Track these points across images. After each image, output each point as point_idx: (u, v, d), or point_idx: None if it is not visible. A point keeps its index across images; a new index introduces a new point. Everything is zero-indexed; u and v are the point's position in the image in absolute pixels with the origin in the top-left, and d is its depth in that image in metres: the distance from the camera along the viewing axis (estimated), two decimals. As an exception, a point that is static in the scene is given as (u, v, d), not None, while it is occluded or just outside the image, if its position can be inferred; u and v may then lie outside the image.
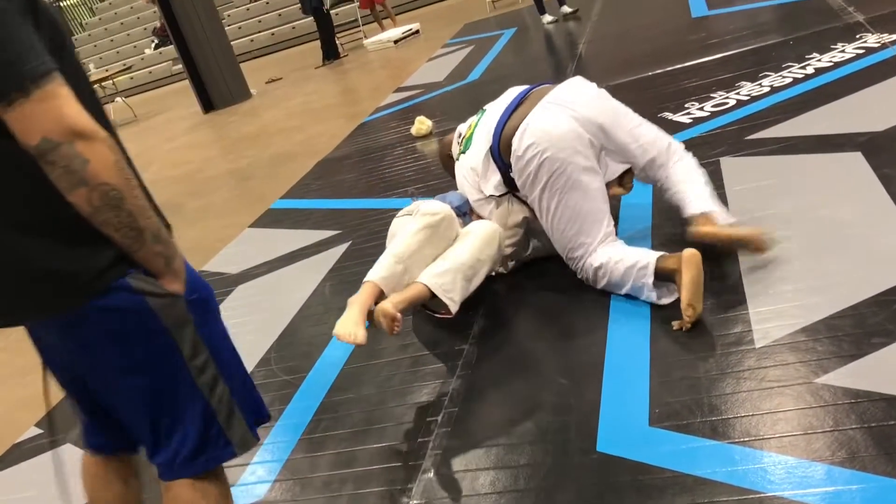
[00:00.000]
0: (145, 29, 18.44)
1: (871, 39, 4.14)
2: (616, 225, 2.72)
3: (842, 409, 1.74)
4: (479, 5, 11.55)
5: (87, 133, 1.20)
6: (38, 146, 1.18)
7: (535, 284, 2.72)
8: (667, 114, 4.07)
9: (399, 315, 2.34)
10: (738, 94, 4.01)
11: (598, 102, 2.63)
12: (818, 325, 2.03)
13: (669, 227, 2.78)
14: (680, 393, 1.96)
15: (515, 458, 1.94)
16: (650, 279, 2.33)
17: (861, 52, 4.00)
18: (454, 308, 2.50)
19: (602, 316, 2.42)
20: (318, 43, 11.61)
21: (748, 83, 4.12)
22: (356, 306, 2.39)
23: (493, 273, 2.79)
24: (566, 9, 8.20)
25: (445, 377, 2.39)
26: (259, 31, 16.19)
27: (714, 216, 2.45)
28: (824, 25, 4.71)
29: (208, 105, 10.16)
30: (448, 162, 3.20)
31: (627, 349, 2.22)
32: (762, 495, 1.59)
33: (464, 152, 2.89)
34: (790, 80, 3.96)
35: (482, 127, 2.78)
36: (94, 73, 16.15)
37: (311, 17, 11.46)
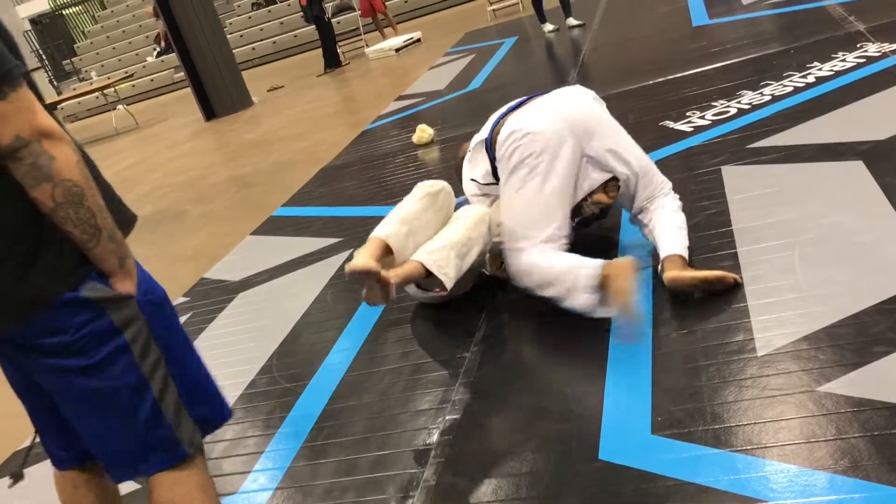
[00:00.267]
0: (147, 37, 18.50)
1: (872, 49, 4.15)
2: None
3: (844, 417, 1.74)
4: (481, 14, 11.59)
5: (54, 133, 1.30)
6: (10, 144, 1.27)
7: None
8: (668, 122, 4.08)
9: (392, 281, 2.37)
10: (739, 102, 4.02)
11: (590, 108, 2.68)
12: (820, 334, 2.03)
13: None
14: (682, 401, 1.96)
15: (517, 466, 1.94)
16: (584, 282, 2.33)
17: (862, 61, 4.01)
18: (448, 284, 2.52)
19: (604, 323, 2.42)
20: (319, 51, 11.65)
21: (749, 92, 4.13)
22: (365, 252, 2.45)
23: (488, 273, 2.81)
24: (572, 21, 8.20)
25: (447, 384, 2.38)
26: (261, 40, 16.24)
27: (682, 260, 2.43)
28: (825, 34, 4.73)
29: (210, 113, 10.18)
30: (461, 168, 3.23)
31: (629, 357, 2.22)
32: (765, 504, 1.59)
33: None
34: (791, 88, 3.97)
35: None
36: (96, 80, 16.23)
37: (313, 26, 11.51)
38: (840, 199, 2.70)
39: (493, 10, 11.39)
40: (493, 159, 2.69)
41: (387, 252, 2.52)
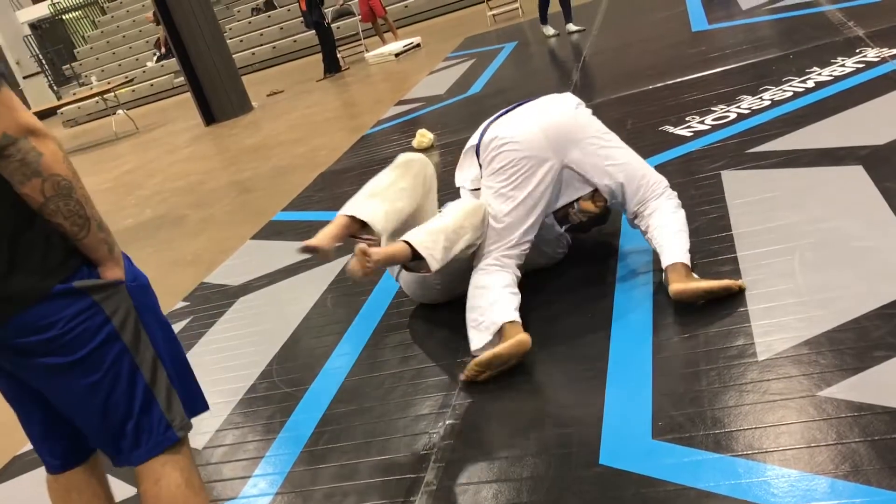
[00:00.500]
0: (147, 42, 18.52)
1: (871, 54, 4.16)
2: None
3: (845, 422, 1.74)
4: (480, 19, 11.61)
5: (40, 131, 1.34)
6: None
7: (537, 296, 2.72)
8: (668, 127, 4.08)
9: (372, 254, 2.38)
10: (738, 107, 4.03)
11: (571, 116, 2.68)
12: (821, 338, 2.03)
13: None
14: (683, 406, 1.96)
15: (518, 470, 1.94)
16: (482, 330, 2.39)
17: (861, 66, 4.02)
18: (434, 265, 2.50)
19: (604, 328, 2.42)
20: (319, 56, 11.67)
21: (749, 97, 4.13)
22: (324, 229, 2.55)
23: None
24: (571, 26, 8.21)
25: (447, 389, 2.38)
26: (261, 45, 16.27)
27: (684, 268, 2.40)
28: (824, 40, 4.74)
29: (210, 117, 10.19)
30: None
31: (630, 361, 2.22)
32: (766, 509, 1.58)
33: None
34: (791, 93, 3.97)
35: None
36: (96, 85, 16.24)
37: (313, 31, 11.52)
38: (840, 203, 2.70)
39: (493, 15, 11.40)
40: (481, 165, 2.71)
41: (359, 228, 2.58)
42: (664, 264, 2.43)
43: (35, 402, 1.57)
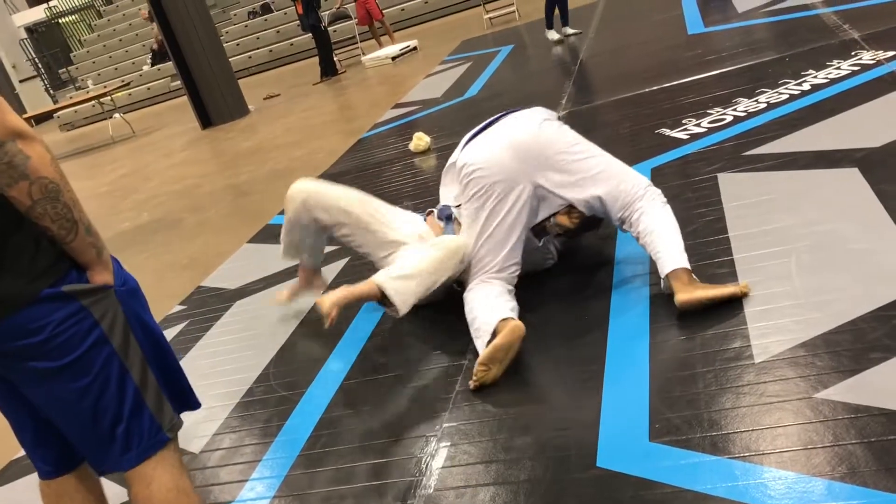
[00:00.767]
0: (143, 45, 18.50)
1: (867, 56, 4.17)
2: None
3: (841, 424, 1.74)
4: (477, 22, 11.63)
5: (27, 133, 1.33)
6: None
7: (534, 299, 2.72)
8: (664, 130, 4.09)
9: (334, 313, 2.47)
10: (734, 110, 4.04)
11: (536, 133, 2.63)
12: (817, 341, 2.04)
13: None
14: (680, 408, 1.96)
15: (515, 473, 1.94)
16: (482, 335, 2.39)
17: (856, 68, 4.03)
18: (403, 310, 2.54)
19: (601, 330, 2.42)
20: (316, 59, 11.67)
21: (745, 99, 4.14)
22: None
23: (456, 287, 2.78)
24: (568, 30, 8.22)
25: (444, 392, 2.38)
26: (257, 48, 16.27)
27: (687, 275, 2.36)
28: (820, 42, 4.75)
29: (206, 121, 10.19)
30: None
31: (627, 364, 2.22)
32: (763, 511, 1.59)
33: None
34: (786, 96, 3.98)
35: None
36: (92, 89, 16.24)
37: (310, 34, 11.53)
38: (836, 206, 2.71)
39: (490, 19, 11.42)
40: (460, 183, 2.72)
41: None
42: (664, 272, 2.38)
43: (25, 408, 1.56)
